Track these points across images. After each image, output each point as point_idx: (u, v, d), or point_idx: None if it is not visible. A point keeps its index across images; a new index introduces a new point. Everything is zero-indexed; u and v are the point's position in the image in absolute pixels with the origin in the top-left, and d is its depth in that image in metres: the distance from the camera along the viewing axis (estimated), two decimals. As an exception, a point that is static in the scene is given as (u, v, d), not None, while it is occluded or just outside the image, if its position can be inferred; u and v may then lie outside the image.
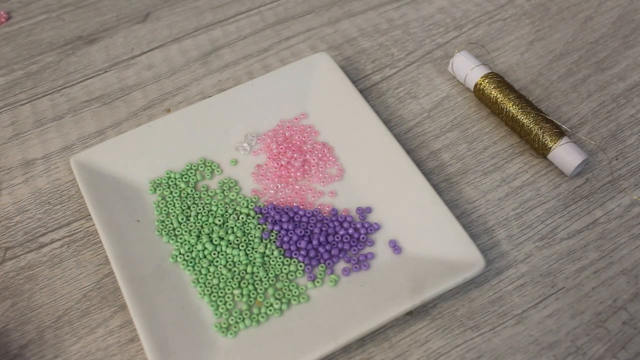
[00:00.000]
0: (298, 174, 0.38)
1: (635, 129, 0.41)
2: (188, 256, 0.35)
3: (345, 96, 0.40)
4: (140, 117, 0.43)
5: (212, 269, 0.35)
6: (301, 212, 0.37)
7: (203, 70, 0.45)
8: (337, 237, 0.36)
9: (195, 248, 0.35)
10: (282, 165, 0.39)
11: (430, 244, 0.34)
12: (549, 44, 0.46)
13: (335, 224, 0.36)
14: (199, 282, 0.34)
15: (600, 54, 0.45)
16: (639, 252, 0.35)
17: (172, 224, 0.36)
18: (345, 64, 0.45)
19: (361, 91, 0.43)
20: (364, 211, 0.37)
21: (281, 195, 0.38)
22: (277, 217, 0.36)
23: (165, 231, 0.36)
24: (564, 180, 0.38)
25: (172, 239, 0.36)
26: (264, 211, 0.37)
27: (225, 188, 0.38)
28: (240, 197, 0.38)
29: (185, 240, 0.36)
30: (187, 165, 0.39)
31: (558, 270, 0.35)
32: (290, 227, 0.36)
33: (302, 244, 0.35)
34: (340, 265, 0.35)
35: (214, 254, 0.35)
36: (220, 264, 0.35)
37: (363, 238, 0.35)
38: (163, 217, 0.37)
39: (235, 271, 0.35)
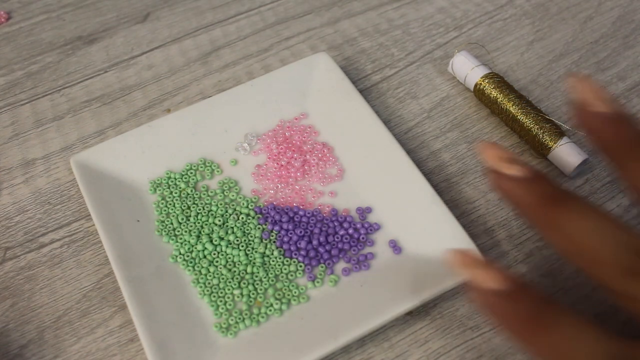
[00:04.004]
0: (298, 174, 0.38)
1: (635, 129, 0.41)
2: (188, 256, 0.35)
3: (345, 96, 0.40)
4: (140, 117, 0.43)
5: (212, 269, 0.35)
6: (301, 212, 0.37)
7: (203, 70, 0.45)
8: (337, 237, 0.36)
9: (195, 248, 0.35)
10: (282, 166, 0.39)
11: (430, 244, 0.34)
12: (549, 44, 0.46)
13: (335, 224, 0.36)
14: (199, 282, 0.34)
15: (600, 54, 0.45)
16: (639, 252, 0.35)
17: (172, 224, 0.36)
18: (345, 64, 0.45)
19: (361, 91, 0.43)
20: (364, 211, 0.37)
21: (281, 196, 0.38)
22: (277, 217, 0.36)
23: (165, 231, 0.36)
24: (564, 180, 0.38)
25: (172, 239, 0.36)
26: (264, 211, 0.37)
27: (225, 188, 0.38)
28: (240, 197, 0.38)
29: (185, 240, 0.36)
30: (187, 166, 0.39)
31: (558, 270, 0.35)
32: (290, 227, 0.36)
33: (302, 244, 0.35)
34: (340, 265, 0.35)
35: (214, 254, 0.35)
36: (220, 264, 0.35)
37: (363, 238, 0.35)
38: (163, 217, 0.37)
39: (235, 271, 0.35)
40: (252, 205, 0.37)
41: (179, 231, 0.36)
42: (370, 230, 0.36)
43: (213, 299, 0.34)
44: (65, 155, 0.41)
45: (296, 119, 0.41)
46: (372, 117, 0.38)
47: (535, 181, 0.29)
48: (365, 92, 0.43)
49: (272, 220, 0.36)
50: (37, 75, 0.46)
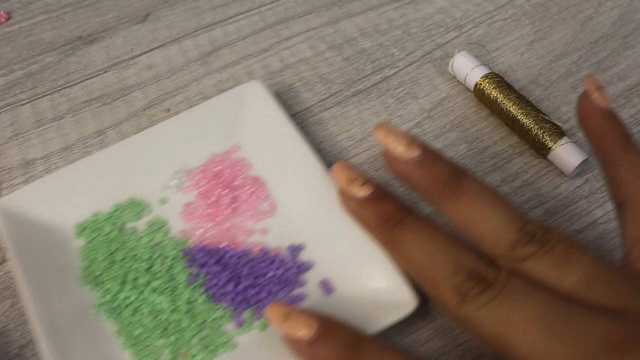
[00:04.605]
0: (227, 211, 0.36)
1: (635, 129, 0.41)
2: (111, 305, 0.33)
3: (278, 127, 0.38)
4: (140, 117, 0.43)
5: (136, 317, 0.33)
6: (229, 253, 0.35)
7: (203, 70, 0.45)
8: (266, 279, 0.34)
9: (119, 296, 0.33)
10: (211, 203, 0.37)
11: (361, 284, 0.32)
12: (549, 44, 0.46)
13: (264, 264, 0.34)
14: (122, 333, 0.32)
15: (600, 54, 0.45)
16: (639, 252, 0.35)
17: (96, 270, 0.34)
18: (345, 64, 0.45)
19: (361, 92, 0.43)
20: (296, 249, 0.35)
21: (210, 235, 0.36)
22: (204, 259, 0.34)
23: (88, 279, 0.34)
24: (563, 181, 0.38)
25: (96, 287, 0.34)
26: (192, 252, 0.35)
27: (155, 229, 0.36)
28: (167, 239, 0.35)
29: (108, 288, 0.33)
30: (114, 207, 0.36)
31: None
32: (218, 269, 0.34)
33: (230, 287, 0.33)
34: (270, 308, 0.33)
35: (138, 301, 0.33)
36: (145, 312, 0.33)
37: (293, 278, 0.34)
38: (87, 263, 0.34)
39: (160, 319, 0.33)
40: (179, 247, 0.35)
41: (102, 278, 0.34)
42: (302, 269, 0.34)
43: (137, 349, 0.31)
44: (65, 155, 0.41)
45: (228, 152, 0.39)
46: (304, 148, 0.36)
47: (376, 201, 0.30)
48: (365, 93, 0.43)
49: (199, 263, 0.34)
50: (37, 75, 0.46)
